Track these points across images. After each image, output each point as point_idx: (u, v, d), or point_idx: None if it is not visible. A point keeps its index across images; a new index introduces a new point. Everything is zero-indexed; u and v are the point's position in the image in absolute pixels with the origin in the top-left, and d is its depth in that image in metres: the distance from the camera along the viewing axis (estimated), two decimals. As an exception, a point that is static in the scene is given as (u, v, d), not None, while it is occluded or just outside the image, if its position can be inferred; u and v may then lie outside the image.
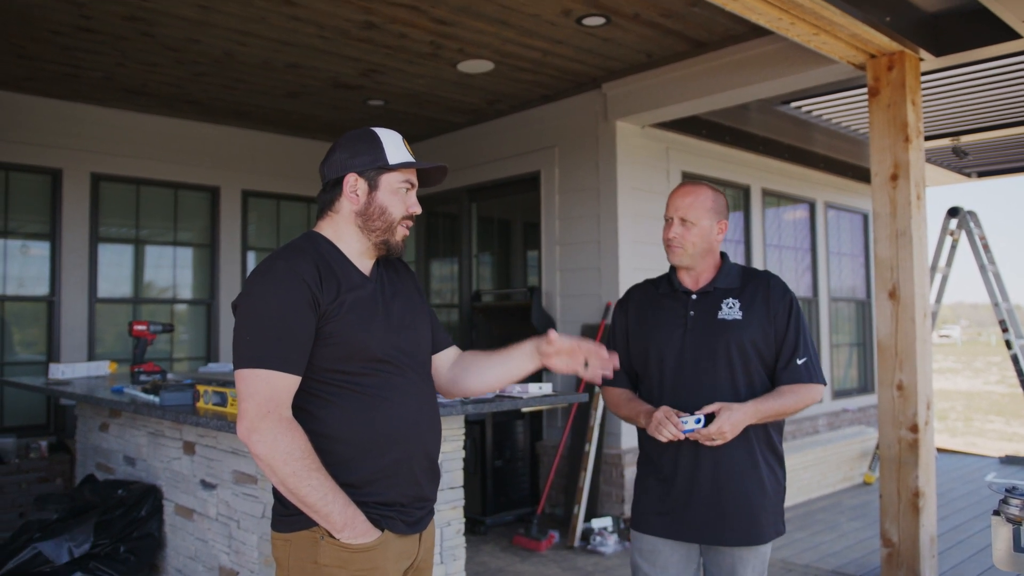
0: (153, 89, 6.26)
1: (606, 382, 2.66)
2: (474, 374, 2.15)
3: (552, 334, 1.99)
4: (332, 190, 1.97)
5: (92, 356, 6.58)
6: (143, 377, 4.35)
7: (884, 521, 4.53)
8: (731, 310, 2.48)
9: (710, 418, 2.33)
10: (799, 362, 2.46)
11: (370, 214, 1.94)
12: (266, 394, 1.75)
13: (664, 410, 2.36)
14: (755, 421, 2.38)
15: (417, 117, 7.12)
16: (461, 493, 3.55)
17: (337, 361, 1.85)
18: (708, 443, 2.35)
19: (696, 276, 2.57)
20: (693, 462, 2.44)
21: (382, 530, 1.86)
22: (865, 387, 8.96)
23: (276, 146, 7.69)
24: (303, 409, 1.84)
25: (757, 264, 7.44)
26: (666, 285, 2.62)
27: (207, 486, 3.55)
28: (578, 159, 6.39)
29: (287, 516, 1.85)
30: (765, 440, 2.49)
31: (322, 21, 4.86)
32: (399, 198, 1.96)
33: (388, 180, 1.95)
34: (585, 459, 5.76)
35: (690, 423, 2.31)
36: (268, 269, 1.84)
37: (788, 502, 6.72)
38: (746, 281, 2.55)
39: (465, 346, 7.03)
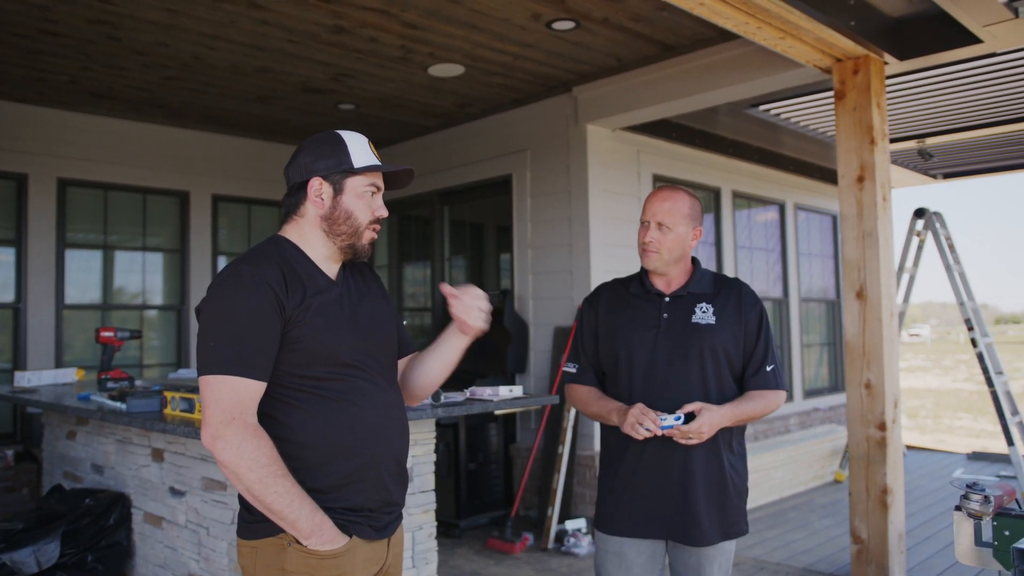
0: (121, 93, 6.19)
1: (572, 379, 2.67)
2: (420, 373, 2.15)
3: (443, 286, 2.02)
4: (297, 194, 1.95)
5: (60, 363, 6.49)
6: (110, 384, 4.31)
7: (853, 518, 4.58)
8: (704, 314, 2.51)
9: (689, 417, 2.35)
10: (768, 369, 2.52)
11: (335, 218, 1.93)
12: (231, 400, 1.74)
13: (640, 407, 2.36)
14: (729, 424, 2.43)
15: (388, 121, 7.11)
16: (433, 497, 3.54)
17: (303, 366, 1.84)
18: (684, 442, 2.36)
19: (668, 280, 2.59)
20: (661, 461, 2.46)
21: (350, 536, 1.85)
22: (836, 386, 9.06)
23: (246, 150, 7.64)
24: (269, 415, 1.82)
25: (728, 266, 7.50)
26: (638, 286, 2.63)
27: (176, 493, 3.52)
28: (549, 162, 6.41)
29: (253, 523, 1.84)
30: (728, 441, 2.52)
31: (291, 25, 4.84)
32: (364, 202, 1.95)
33: (353, 184, 1.94)
34: (559, 461, 5.77)
35: (669, 420, 2.32)
36: (232, 274, 1.82)
37: (760, 500, 6.78)
38: (718, 287, 2.59)
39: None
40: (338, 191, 1.93)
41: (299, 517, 1.75)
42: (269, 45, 5.17)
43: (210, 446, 1.74)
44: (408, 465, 2.05)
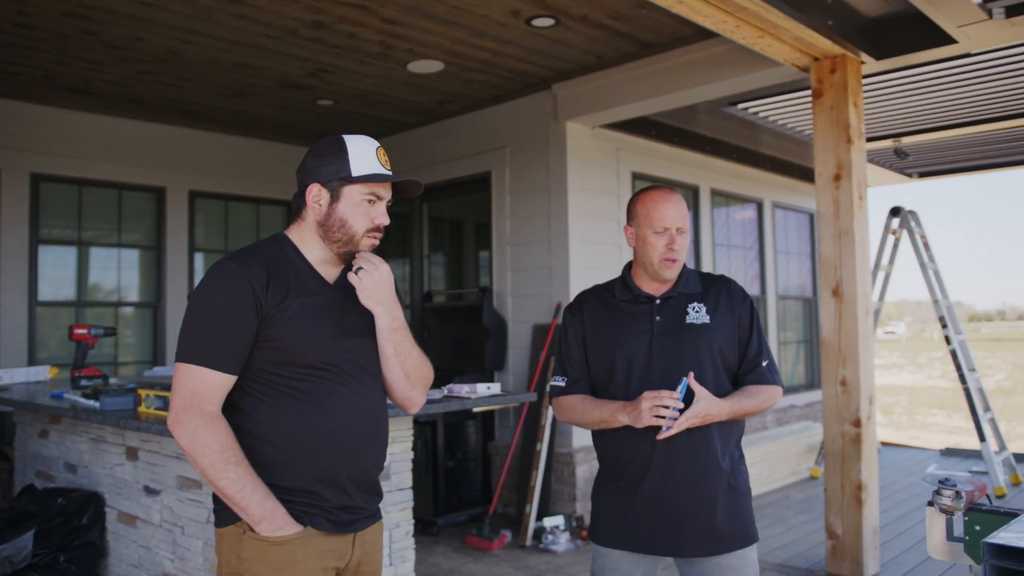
0: (96, 88, 6.12)
1: (563, 391, 2.52)
2: (385, 373, 2.07)
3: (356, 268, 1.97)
4: (301, 197, 1.98)
5: (34, 361, 6.42)
6: (84, 382, 4.26)
7: (828, 514, 4.62)
8: (698, 314, 2.43)
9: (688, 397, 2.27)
10: (763, 364, 2.46)
11: (329, 225, 1.94)
12: (192, 388, 1.80)
13: (648, 393, 2.25)
14: (727, 418, 2.35)
15: (367, 117, 7.08)
16: (410, 495, 3.53)
17: (276, 364, 1.87)
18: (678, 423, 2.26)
19: (658, 282, 2.48)
20: (670, 466, 2.34)
21: (304, 525, 1.86)
22: (812, 383, 9.13)
23: (224, 146, 7.57)
24: (238, 407, 1.88)
25: (707, 263, 7.54)
26: (623, 291, 2.52)
27: (151, 492, 3.48)
28: (529, 159, 6.41)
29: (218, 511, 1.90)
30: (736, 439, 2.46)
31: (270, 20, 4.81)
32: (361, 210, 1.94)
33: (350, 192, 1.93)
34: (537, 458, 5.77)
35: (679, 388, 2.24)
36: (218, 269, 1.87)
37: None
38: (707, 286, 2.51)
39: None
40: (335, 198, 1.93)
41: (250, 503, 1.79)
42: (247, 40, 5.13)
43: (171, 429, 1.82)
44: (385, 463, 2.04)
